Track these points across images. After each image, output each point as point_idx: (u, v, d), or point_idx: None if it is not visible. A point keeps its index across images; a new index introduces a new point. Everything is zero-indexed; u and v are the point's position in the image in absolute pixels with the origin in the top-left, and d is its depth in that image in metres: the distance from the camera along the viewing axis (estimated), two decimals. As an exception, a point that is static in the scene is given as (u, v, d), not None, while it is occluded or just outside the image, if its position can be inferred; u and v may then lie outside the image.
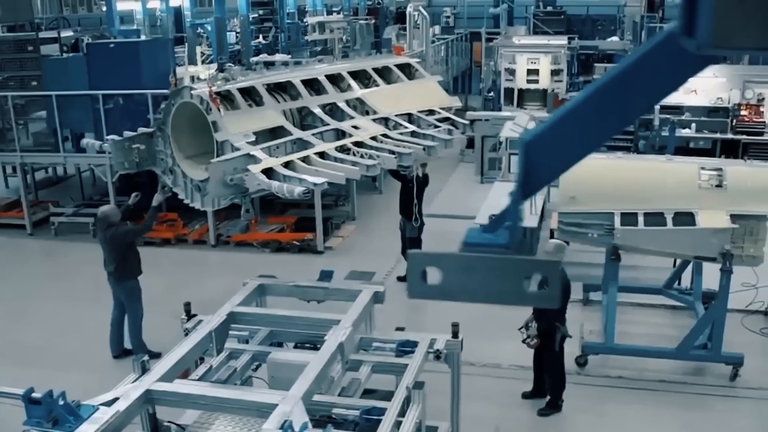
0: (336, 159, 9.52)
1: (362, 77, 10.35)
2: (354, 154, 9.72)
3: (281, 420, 4.14)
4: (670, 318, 10.04)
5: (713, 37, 1.49)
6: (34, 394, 4.19)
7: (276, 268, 10.94)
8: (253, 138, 9.47)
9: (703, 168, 8.50)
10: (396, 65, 10.10)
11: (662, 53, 1.69)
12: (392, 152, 9.85)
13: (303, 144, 9.80)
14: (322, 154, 9.53)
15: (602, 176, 8.69)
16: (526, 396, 8.20)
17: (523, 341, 7.80)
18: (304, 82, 10.12)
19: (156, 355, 7.48)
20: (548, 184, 2.10)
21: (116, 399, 4.52)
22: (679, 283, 10.21)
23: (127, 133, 9.31)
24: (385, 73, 10.27)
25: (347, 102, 10.14)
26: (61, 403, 4.24)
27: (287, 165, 9.09)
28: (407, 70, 10.35)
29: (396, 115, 10.00)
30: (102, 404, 4.45)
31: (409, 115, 10.16)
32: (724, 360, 8.45)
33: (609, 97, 1.84)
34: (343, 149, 9.81)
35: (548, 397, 7.95)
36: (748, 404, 8.09)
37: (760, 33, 1.46)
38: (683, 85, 1.76)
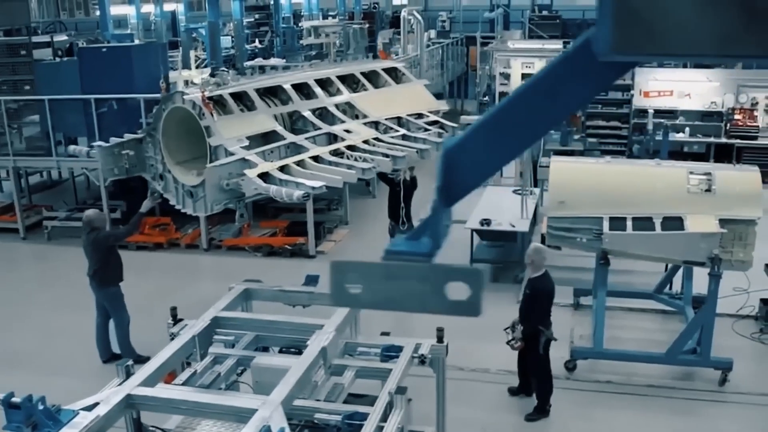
0: (331, 163, 9.56)
1: (350, 81, 10.39)
2: (348, 158, 9.77)
3: (260, 425, 4.13)
4: (661, 323, 10.04)
5: (613, 44, 1.51)
6: (13, 399, 4.18)
7: (268, 272, 10.97)
8: (246, 143, 9.50)
9: (691, 172, 8.51)
10: (383, 69, 10.10)
11: (579, 59, 1.69)
12: (386, 155, 9.91)
13: (296, 148, 9.84)
14: (316, 158, 9.57)
15: (591, 181, 8.71)
16: (512, 392, 8.24)
17: (507, 343, 7.81)
18: (294, 87, 10.16)
19: (144, 360, 7.46)
20: (470, 192, 2.08)
21: (97, 404, 4.52)
22: (670, 288, 10.21)
23: (114, 139, 9.32)
24: (372, 77, 10.32)
25: (337, 106, 10.19)
26: (40, 407, 4.22)
27: (282, 169, 9.12)
28: (394, 73, 10.38)
29: (386, 119, 10.05)
30: (83, 409, 4.44)
31: (398, 118, 10.22)
32: (713, 365, 8.44)
33: (528, 104, 1.84)
34: (336, 153, 9.86)
35: (536, 402, 7.94)
36: (737, 409, 8.07)
37: (654, 41, 1.47)
38: (601, 91, 1.77)
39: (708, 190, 8.31)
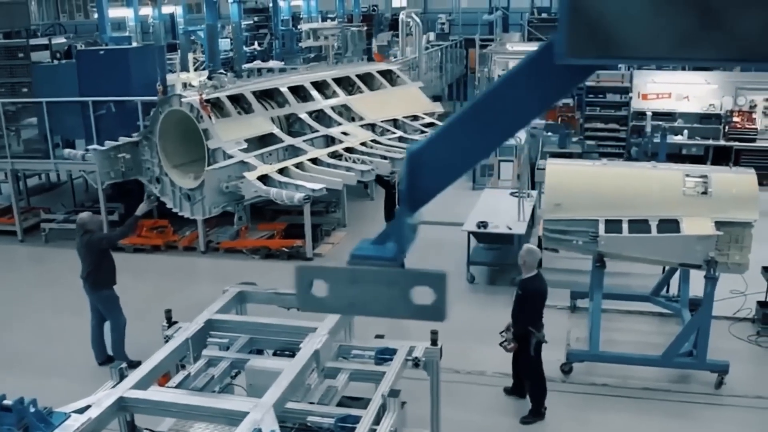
0: (329, 165, 9.59)
1: (345, 84, 10.41)
2: (346, 160, 9.79)
3: (251, 427, 4.13)
4: (657, 325, 10.03)
5: (567, 48, 1.51)
6: (5, 402, 4.18)
7: (265, 274, 10.95)
8: (245, 145, 9.52)
9: (687, 175, 8.49)
10: (378, 72, 10.13)
11: (542, 62, 1.69)
12: (384, 157, 9.92)
13: (294, 151, 9.86)
14: (314, 161, 9.60)
15: (587, 183, 8.70)
16: (507, 391, 8.26)
17: (500, 344, 7.81)
18: (291, 89, 10.18)
19: (137, 364, 7.44)
20: (435, 196, 2.08)
21: (89, 406, 4.51)
22: (667, 291, 10.20)
23: (110, 143, 9.33)
24: (367, 80, 10.33)
25: (333, 108, 10.21)
26: (32, 410, 4.22)
27: (281, 172, 9.15)
28: (388, 76, 10.40)
29: (382, 121, 10.08)
30: (75, 411, 4.44)
31: (394, 120, 10.24)
32: (709, 367, 8.43)
33: (492, 108, 1.83)
34: (334, 155, 9.87)
35: (530, 404, 7.93)
36: (734, 412, 8.06)
37: (609, 44, 1.47)
38: (565, 95, 1.78)
39: (704, 193, 8.29)
